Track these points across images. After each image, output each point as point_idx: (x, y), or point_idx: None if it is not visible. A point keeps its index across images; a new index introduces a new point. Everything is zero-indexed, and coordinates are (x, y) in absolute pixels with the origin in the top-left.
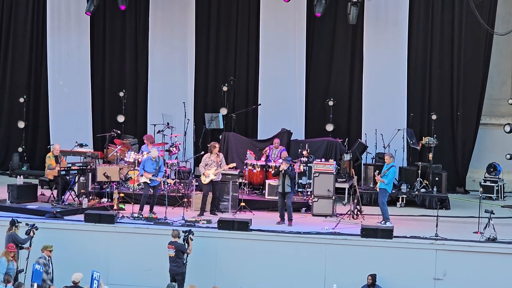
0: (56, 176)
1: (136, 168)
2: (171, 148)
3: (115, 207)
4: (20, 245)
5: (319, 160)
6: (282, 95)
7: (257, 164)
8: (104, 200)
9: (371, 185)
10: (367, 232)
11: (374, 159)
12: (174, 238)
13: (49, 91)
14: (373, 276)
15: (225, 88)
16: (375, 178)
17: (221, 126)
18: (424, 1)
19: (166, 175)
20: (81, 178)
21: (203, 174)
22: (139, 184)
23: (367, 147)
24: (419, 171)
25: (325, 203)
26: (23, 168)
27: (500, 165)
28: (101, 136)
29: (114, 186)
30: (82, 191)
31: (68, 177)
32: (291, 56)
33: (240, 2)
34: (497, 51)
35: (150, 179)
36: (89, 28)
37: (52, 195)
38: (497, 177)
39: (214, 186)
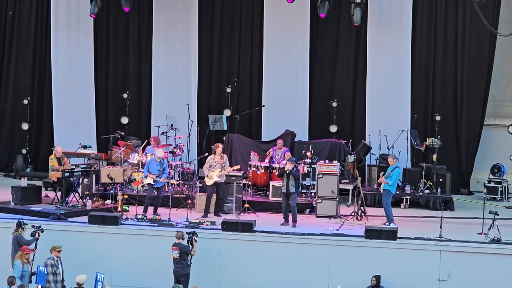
0: (60, 178)
1: (140, 169)
2: (175, 150)
3: (119, 208)
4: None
5: (323, 161)
6: (285, 96)
7: (261, 166)
8: (108, 201)
9: (375, 186)
10: (371, 233)
11: (378, 160)
12: (178, 239)
13: (53, 93)
14: (377, 277)
15: (228, 90)
16: (379, 179)
17: (225, 128)
18: (428, 2)
19: (170, 176)
20: (85, 179)
21: (207, 175)
22: (143, 186)
23: (371, 148)
24: (423, 172)
25: (329, 204)
26: (27, 170)
27: (504, 166)
28: (105, 137)
29: (118, 187)
30: (86, 192)
31: (72, 179)
32: (294, 57)
33: (243, 3)
34: (501, 52)
35: (154, 180)
36: (93, 30)
37: (56, 197)
38: (501, 178)
39: (218, 188)
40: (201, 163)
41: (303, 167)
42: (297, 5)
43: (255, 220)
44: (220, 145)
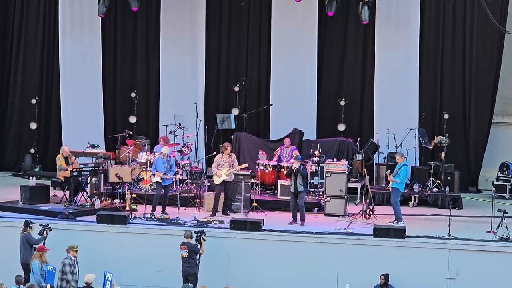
0: (68, 177)
1: (148, 168)
2: (183, 149)
3: (127, 208)
4: (33, 246)
5: (331, 160)
6: (293, 95)
7: (269, 164)
8: (116, 201)
9: (383, 185)
10: (380, 232)
11: (386, 159)
12: (187, 238)
13: (61, 92)
14: (386, 276)
15: (236, 89)
16: (387, 177)
17: (233, 127)
18: (436, 0)
19: (180, 174)
20: (93, 179)
21: (215, 174)
22: (151, 185)
23: (379, 146)
24: (432, 171)
25: (337, 203)
26: (35, 169)
27: None
28: (113, 137)
29: (126, 187)
30: (94, 192)
31: (80, 178)
32: (302, 56)
33: (251, 2)
34: (509, 50)
35: (161, 178)
36: (101, 29)
37: (64, 196)
38: (510, 176)
39: (226, 187)
40: (209, 162)
41: (311, 165)
42: (305, 3)
43: (263, 219)
44: (229, 147)
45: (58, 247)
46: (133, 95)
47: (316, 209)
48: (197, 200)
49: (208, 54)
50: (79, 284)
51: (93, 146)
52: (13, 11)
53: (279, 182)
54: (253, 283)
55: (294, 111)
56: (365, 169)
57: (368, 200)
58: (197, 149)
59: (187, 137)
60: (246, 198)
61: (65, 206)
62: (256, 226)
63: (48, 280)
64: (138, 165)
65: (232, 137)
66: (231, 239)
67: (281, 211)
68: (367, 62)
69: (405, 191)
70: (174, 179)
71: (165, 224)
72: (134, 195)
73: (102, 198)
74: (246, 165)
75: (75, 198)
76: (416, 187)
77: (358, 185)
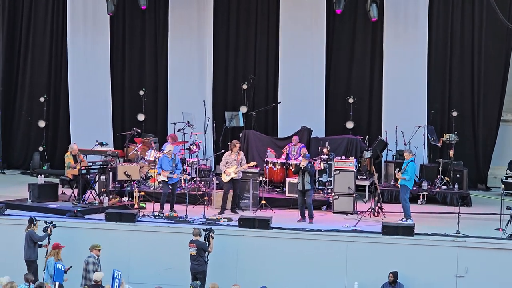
0: (76, 175)
1: (156, 166)
2: (191, 147)
3: (135, 205)
4: (37, 243)
5: (340, 157)
6: (302, 92)
7: (277, 162)
8: (125, 198)
9: (392, 182)
10: (388, 230)
11: (394, 156)
12: (195, 236)
13: (69, 90)
14: (395, 274)
15: (245, 86)
16: (396, 175)
17: (241, 124)
18: None
19: (187, 173)
20: (101, 177)
21: (224, 172)
22: (159, 183)
23: (388, 144)
24: (440, 168)
25: (345, 201)
26: (43, 167)
27: None
28: (122, 134)
29: (135, 184)
30: (102, 190)
31: (88, 176)
32: (310, 53)
33: (259, 0)
34: None
35: (167, 177)
36: (109, 27)
37: (73, 194)
38: None
39: (235, 184)
40: (217, 160)
41: (320, 163)
42: (313, 1)
43: (272, 217)
44: (238, 144)
45: (67, 245)
46: (141, 93)
47: (324, 206)
48: (206, 198)
49: (216, 52)
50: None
51: (101, 144)
52: (22, 10)
53: (288, 180)
54: (261, 281)
55: (302, 109)
56: (373, 167)
57: (376, 198)
58: (205, 147)
59: (196, 135)
60: (255, 196)
61: (73, 204)
62: (264, 224)
63: (57, 278)
64: (146, 163)
65: (241, 135)
66: (240, 237)
67: (289, 209)
68: (376, 59)
69: (414, 188)
70: (181, 177)
71: (173, 222)
72: (142, 193)
73: (111, 196)
74: (255, 163)
75: (84, 196)
76: (424, 184)
77: (367, 183)
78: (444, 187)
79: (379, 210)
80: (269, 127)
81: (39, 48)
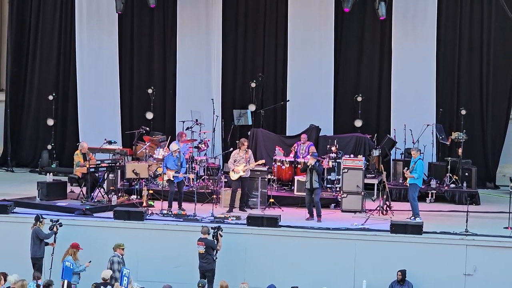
0: (85, 173)
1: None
2: (199, 145)
3: (144, 204)
4: (44, 240)
5: (348, 156)
6: (310, 91)
7: (285, 160)
8: (133, 197)
9: (400, 181)
10: (397, 228)
11: (403, 155)
12: (204, 234)
13: (78, 89)
14: (403, 272)
15: (253, 85)
16: (405, 174)
17: (250, 123)
18: None
19: (195, 171)
20: (110, 175)
21: (232, 170)
22: (167, 181)
23: (396, 142)
24: (449, 167)
25: (354, 199)
26: (52, 166)
27: None
28: (130, 133)
29: (143, 183)
30: (111, 188)
31: (97, 174)
32: (319, 51)
33: None
34: None
35: (173, 176)
36: (117, 26)
37: (81, 192)
38: None
39: (243, 183)
40: (226, 158)
41: (328, 161)
42: None
43: (280, 215)
44: (246, 142)
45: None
46: (150, 91)
47: (333, 205)
48: (214, 196)
49: (224, 50)
50: (96, 280)
51: (110, 142)
52: (30, 8)
53: (296, 178)
54: (270, 279)
55: (310, 107)
56: (382, 165)
57: (385, 196)
58: (214, 145)
59: (204, 133)
60: (263, 194)
61: (82, 202)
62: (273, 222)
63: (65, 276)
64: (155, 161)
65: (249, 133)
66: (248, 235)
67: (298, 207)
68: (384, 58)
69: (422, 186)
70: (186, 176)
71: (182, 220)
72: (151, 191)
73: (119, 194)
74: (263, 161)
75: (92, 194)
76: (433, 183)
77: (375, 181)
78: (452, 185)
79: (388, 209)
80: (278, 125)
81: (48, 47)
